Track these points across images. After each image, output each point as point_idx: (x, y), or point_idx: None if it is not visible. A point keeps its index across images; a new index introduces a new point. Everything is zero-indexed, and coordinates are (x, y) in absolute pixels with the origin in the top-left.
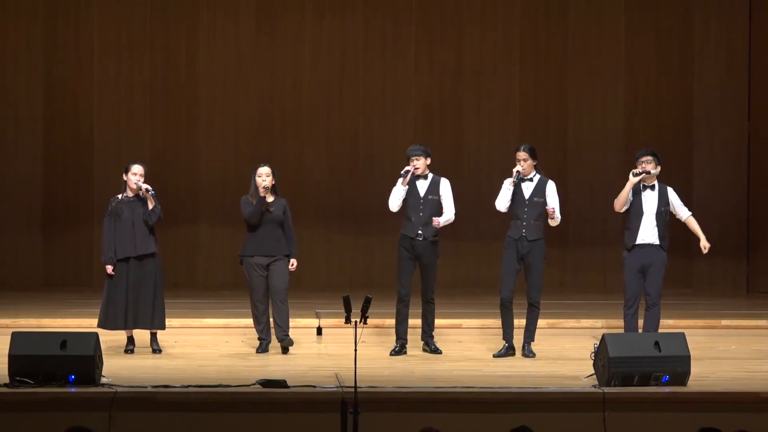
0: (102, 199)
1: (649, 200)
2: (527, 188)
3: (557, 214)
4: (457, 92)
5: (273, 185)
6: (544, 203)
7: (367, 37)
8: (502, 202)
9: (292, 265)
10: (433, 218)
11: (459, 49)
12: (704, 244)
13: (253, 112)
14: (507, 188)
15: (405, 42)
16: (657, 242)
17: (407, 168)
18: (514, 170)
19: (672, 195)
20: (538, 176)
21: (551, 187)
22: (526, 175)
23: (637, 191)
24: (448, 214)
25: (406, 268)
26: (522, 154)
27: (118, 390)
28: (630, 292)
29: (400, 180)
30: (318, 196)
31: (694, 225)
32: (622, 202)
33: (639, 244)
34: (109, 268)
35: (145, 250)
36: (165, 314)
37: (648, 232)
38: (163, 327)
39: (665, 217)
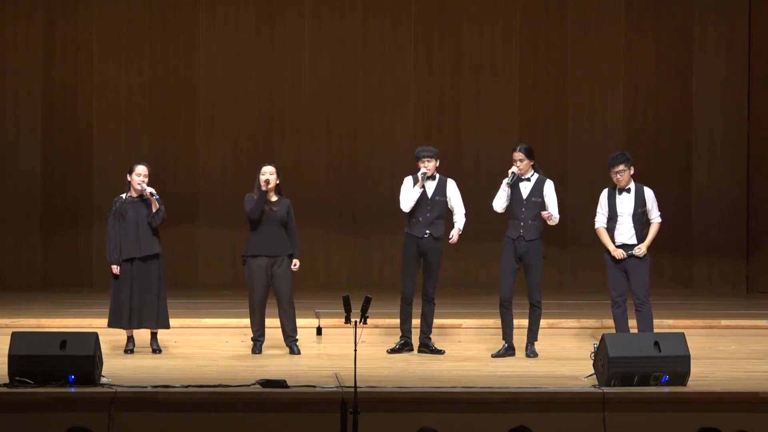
0: (101, 199)
1: (624, 203)
2: (525, 188)
3: (555, 216)
4: (457, 92)
5: (277, 185)
6: (542, 203)
7: (366, 37)
8: (499, 202)
9: (295, 264)
10: (452, 235)
11: (458, 48)
12: (641, 249)
13: (253, 112)
14: (503, 189)
15: (404, 42)
16: (635, 242)
17: (424, 170)
18: (510, 171)
19: (648, 196)
20: (536, 176)
21: (549, 187)
22: (522, 175)
23: (611, 197)
24: (461, 217)
25: (412, 268)
26: (518, 155)
27: (117, 390)
28: (615, 291)
29: (413, 182)
30: (317, 196)
31: (652, 230)
32: (601, 240)
33: (617, 245)
34: (116, 269)
35: (150, 251)
36: (168, 314)
37: (625, 234)
38: (167, 326)
39: (642, 218)
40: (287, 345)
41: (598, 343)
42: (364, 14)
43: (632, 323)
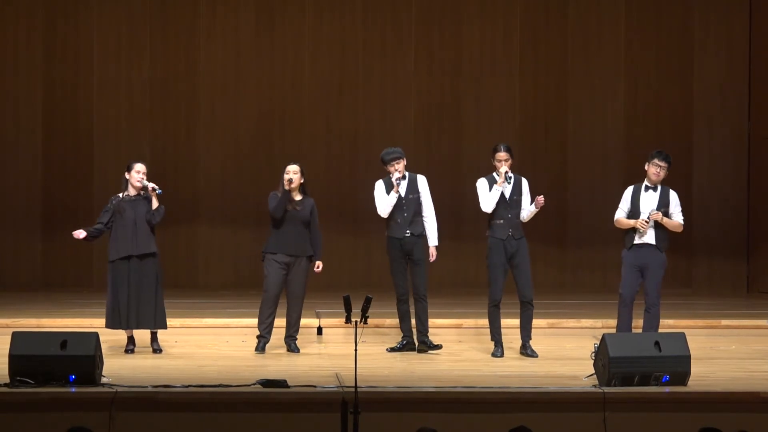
0: (101, 199)
1: (648, 201)
2: (507, 188)
3: (542, 201)
4: (457, 92)
5: (302, 184)
6: (520, 201)
7: (366, 37)
8: (492, 203)
9: (318, 266)
10: (430, 249)
11: (459, 49)
12: (659, 213)
13: (253, 112)
14: (496, 189)
15: (405, 42)
16: (654, 242)
17: (397, 174)
18: (502, 171)
19: (673, 198)
20: (512, 175)
21: (526, 184)
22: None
23: (636, 194)
24: (431, 218)
25: (400, 269)
26: (503, 155)
27: (118, 390)
28: (626, 289)
29: (385, 186)
30: (317, 196)
31: (672, 220)
32: (622, 226)
33: (637, 244)
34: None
35: (147, 249)
36: (165, 313)
37: (646, 233)
38: (165, 326)
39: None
40: (286, 342)
41: (598, 343)
42: (365, 14)
43: (635, 323)
